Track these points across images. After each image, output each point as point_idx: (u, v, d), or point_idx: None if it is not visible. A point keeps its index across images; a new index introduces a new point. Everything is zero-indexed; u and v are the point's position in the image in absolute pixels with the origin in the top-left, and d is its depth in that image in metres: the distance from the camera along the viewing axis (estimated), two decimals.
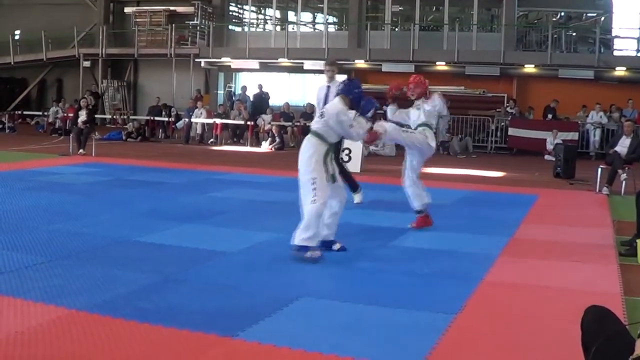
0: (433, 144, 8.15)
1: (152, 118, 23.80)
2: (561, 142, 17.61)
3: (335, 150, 6.86)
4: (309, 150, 6.48)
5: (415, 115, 8.27)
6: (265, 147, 20.24)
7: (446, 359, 4.10)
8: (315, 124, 6.72)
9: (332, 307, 5.00)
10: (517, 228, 8.44)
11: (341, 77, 9.68)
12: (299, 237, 6.28)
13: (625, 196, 11.46)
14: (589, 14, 25.93)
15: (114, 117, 27.06)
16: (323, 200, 6.30)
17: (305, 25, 28.07)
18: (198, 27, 26.52)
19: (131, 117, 25.51)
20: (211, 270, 5.98)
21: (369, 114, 6.88)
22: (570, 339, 3.63)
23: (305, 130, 22.28)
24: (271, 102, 23.15)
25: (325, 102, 8.66)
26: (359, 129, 6.59)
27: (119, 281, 5.42)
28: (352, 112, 6.50)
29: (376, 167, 15.33)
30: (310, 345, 4.12)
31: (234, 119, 22.16)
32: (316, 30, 27.73)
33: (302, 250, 6.27)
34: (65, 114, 23.67)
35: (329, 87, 9.18)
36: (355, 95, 6.65)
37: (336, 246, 6.76)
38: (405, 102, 8.53)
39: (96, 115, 24.78)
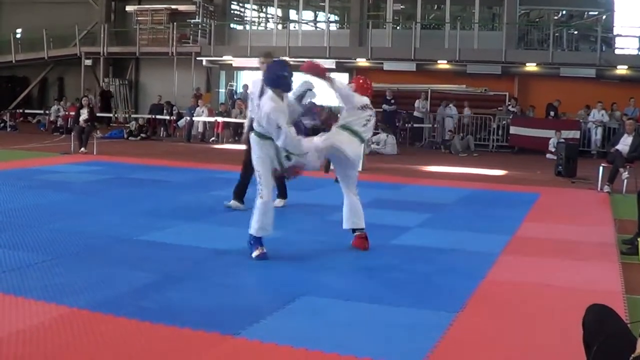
0: (348, 151, 6.65)
1: (153, 116, 23.80)
2: (562, 140, 17.59)
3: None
4: (255, 152, 6.34)
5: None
6: None
7: (448, 357, 4.10)
8: (254, 125, 6.41)
9: (334, 305, 5.00)
10: (518, 226, 8.43)
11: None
12: (251, 227, 6.33)
13: (627, 194, 11.44)
14: (590, 13, 25.91)
15: (116, 115, 27.07)
16: (267, 196, 6.25)
17: (306, 23, 28.05)
18: (200, 26, 26.52)
19: (133, 115, 25.51)
20: (213, 268, 5.99)
21: (307, 124, 6.45)
22: (571, 337, 3.63)
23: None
24: None
25: (260, 95, 7.61)
26: (290, 139, 6.06)
27: (121, 280, 5.42)
28: (282, 118, 6.02)
29: (377, 166, 15.32)
30: (312, 344, 4.12)
31: (235, 118, 22.16)
32: (318, 29, 27.73)
33: (254, 243, 6.31)
34: (66, 113, 23.69)
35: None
36: (282, 84, 6.19)
37: None
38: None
39: (105, 114, 24.99)
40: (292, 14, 28.16)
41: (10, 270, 5.51)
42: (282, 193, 9.38)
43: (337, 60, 23.88)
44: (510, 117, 21.43)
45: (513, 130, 20.89)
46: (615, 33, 24.62)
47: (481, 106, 22.52)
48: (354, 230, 6.96)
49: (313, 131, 6.59)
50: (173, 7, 27.01)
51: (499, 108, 22.38)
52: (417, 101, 22.30)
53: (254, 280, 5.68)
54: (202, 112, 22.53)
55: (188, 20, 26.75)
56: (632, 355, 2.70)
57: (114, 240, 6.89)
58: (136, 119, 23.45)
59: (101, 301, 4.80)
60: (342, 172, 6.97)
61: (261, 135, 6.29)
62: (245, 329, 4.35)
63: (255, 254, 6.24)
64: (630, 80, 21.53)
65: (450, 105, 22.04)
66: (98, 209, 8.65)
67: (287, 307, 4.88)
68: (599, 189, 12.30)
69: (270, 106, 6.05)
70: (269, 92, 6.23)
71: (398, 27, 26.26)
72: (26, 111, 27.92)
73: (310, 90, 6.59)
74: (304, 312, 4.85)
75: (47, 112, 25.99)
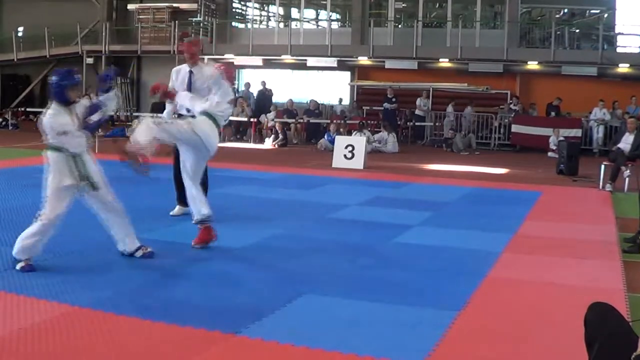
0: (208, 142, 6.44)
1: (155, 115, 23.79)
2: (563, 138, 17.56)
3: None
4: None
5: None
6: (269, 144, 20.24)
7: (450, 355, 4.10)
8: None
9: (335, 303, 5.00)
10: (520, 225, 8.43)
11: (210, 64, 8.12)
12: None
13: (629, 193, 11.44)
14: (592, 11, 25.85)
15: (117, 114, 27.06)
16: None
17: (308, 22, 28.04)
18: (201, 24, 26.52)
19: (134, 113, 25.51)
20: (214, 267, 5.99)
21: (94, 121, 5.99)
22: (573, 336, 3.63)
23: (309, 127, 22.36)
24: (274, 99, 23.16)
25: (189, 89, 7.58)
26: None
27: (122, 278, 5.43)
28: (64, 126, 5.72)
29: (379, 164, 15.31)
30: (313, 342, 4.12)
31: (237, 116, 22.17)
32: (319, 27, 27.70)
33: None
34: None
35: (191, 72, 7.74)
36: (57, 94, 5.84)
37: (139, 253, 6.18)
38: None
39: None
40: (294, 12, 28.14)
41: (12, 269, 5.52)
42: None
43: (338, 58, 23.88)
44: (512, 115, 21.41)
45: (515, 128, 20.87)
46: (617, 31, 24.55)
47: (483, 104, 22.49)
48: (201, 222, 6.56)
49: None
50: (174, 5, 26.99)
51: (501, 106, 22.35)
52: (418, 99, 22.28)
53: (255, 278, 5.67)
54: None
55: (189, 19, 26.74)
56: (634, 354, 2.70)
57: None
58: (137, 118, 23.42)
59: (102, 299, 4.80)
60: (195, 161, 6.64)
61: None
62: (247, 328, 4.35)
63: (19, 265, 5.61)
64: (632, 78, 21.48)
65: (469, 106, 21.99)
66: None
67: (288, 305, 4.88)
68: (600, 187, 12.28)
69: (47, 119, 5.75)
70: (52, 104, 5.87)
71: (400, 26, 26.22)
72: (28, 109, 27.88)
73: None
74: (305, 310, 4.85)
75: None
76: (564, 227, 8.44)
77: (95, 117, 6.00)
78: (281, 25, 27.23)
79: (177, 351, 3.98)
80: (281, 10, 28.17)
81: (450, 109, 21.90)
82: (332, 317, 4.69)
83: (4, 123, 23.99)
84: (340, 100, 24.18)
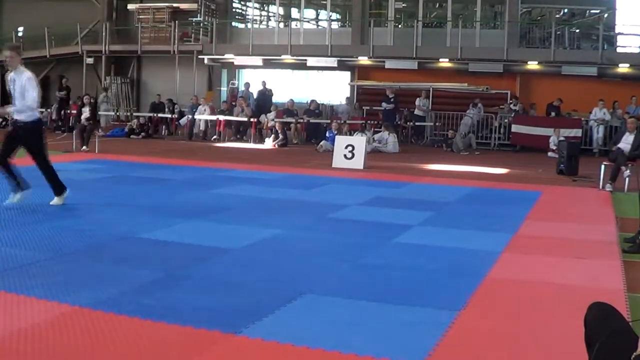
0: None
1: (155, 115, 23.81)
2: (563, 138, 17.56)
3: None
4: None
5: None
6: (269, 144, 20.24)
7: (450, 355, 4.10)
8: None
9: (336, 303, 5.00)
10: (520, 225, 8.43)
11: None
12: None
13: (629, 193, 11.44)
14: (592, 11, 25.89)
15: (117, 113, 27.07)
16: None
17: (308, 22, 28.07)
18: (201, 24, 26.54)
19: (134, 113, 25.53)
20: (214, 267, 5.99)
21: None
22: (573, 336, 3.63)
23: (309, 127, 22.37)
24: (274, 99, 23.17)
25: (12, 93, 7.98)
26: None
27: (123, 278, 5.43)
28: None
29: (379, 164, 15.32)
30: (313, 342, 4.12)
31: (237, 116, 22.17)
32: (319, 27, 27.73)
33: None
34: (68, 111, 23.65)
35: (14, 79, 7.95)
36: None
37: None
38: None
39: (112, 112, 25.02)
40: (294, 12, 28.17)
41: (11, 269, 5.52)
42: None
43: (338, 58, 23.89)
44: (512, 115, 21.42)
45: (515, 128, 20.87)
46: (617, 31, 24.58)
47: (483, 104, 22.51)
48: None
49: None
50: (175, 5, 27.01)
51: (501, 106, 22.36)
52: (417, 99, 22.27)
53: (255, 278, 5.67)
54: (204, 110, 22.54)
55: (190, 19, 26.77)
56: (634, 353, 2.70)
57: (116, 238, 6.90)
58: (137, 117, 23.44)
59: (102, 299, 4.80)
60: None
61: None
62: (247, 327, 4.35)
63: None
64: (632, 78, 21.49)
65: (477, 102, 21.99)
66: (99, 207, 8.66)
67: (288, 305, 4.88)
68: (600, 187, 12.29)
69: None
70: None
71: (400, 26, 26.24)
72: None
73: None
74: (306, 310, 4.85)
75: (48, 109, 25.96)
76: (563, 227, 8.44)
77: None
78: (281, 25, 27.27)
79: (177, 351, 3.98)
80: (281, 10, 28.21)
81: (474, 110, 21.78)
82: (332, 317, 4.68)
83: (4, 123, 23.97)
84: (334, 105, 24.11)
